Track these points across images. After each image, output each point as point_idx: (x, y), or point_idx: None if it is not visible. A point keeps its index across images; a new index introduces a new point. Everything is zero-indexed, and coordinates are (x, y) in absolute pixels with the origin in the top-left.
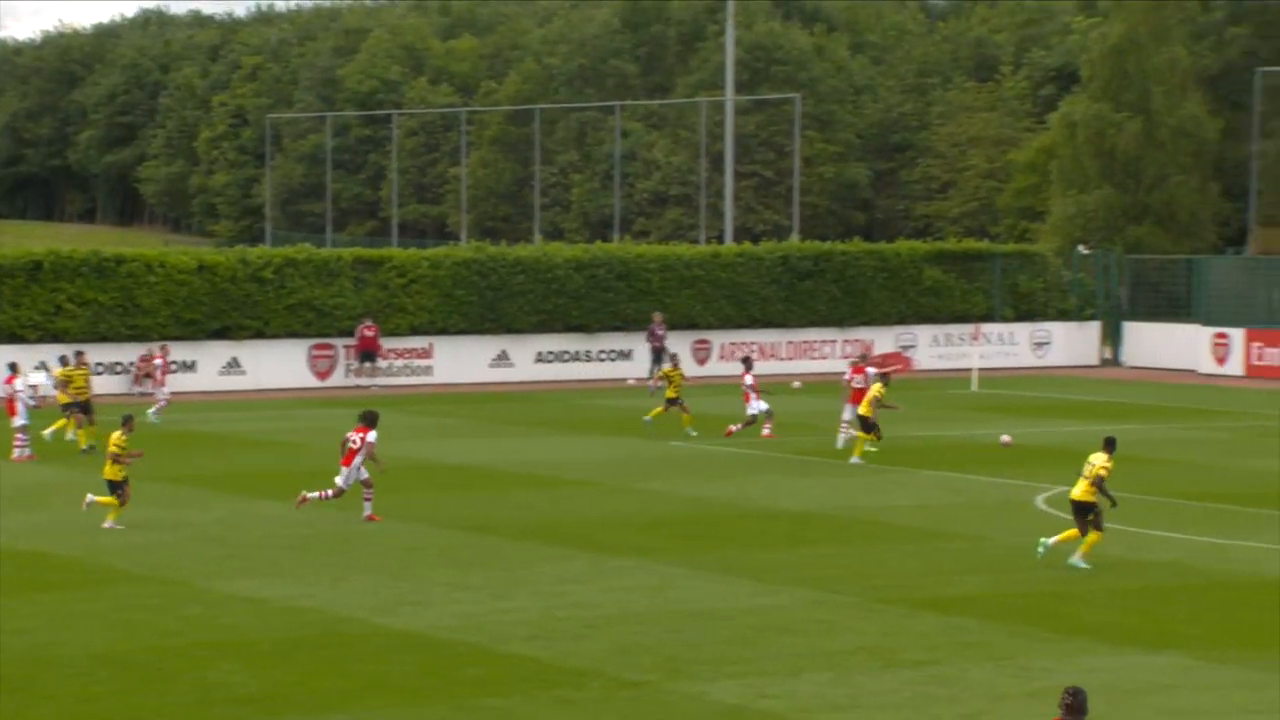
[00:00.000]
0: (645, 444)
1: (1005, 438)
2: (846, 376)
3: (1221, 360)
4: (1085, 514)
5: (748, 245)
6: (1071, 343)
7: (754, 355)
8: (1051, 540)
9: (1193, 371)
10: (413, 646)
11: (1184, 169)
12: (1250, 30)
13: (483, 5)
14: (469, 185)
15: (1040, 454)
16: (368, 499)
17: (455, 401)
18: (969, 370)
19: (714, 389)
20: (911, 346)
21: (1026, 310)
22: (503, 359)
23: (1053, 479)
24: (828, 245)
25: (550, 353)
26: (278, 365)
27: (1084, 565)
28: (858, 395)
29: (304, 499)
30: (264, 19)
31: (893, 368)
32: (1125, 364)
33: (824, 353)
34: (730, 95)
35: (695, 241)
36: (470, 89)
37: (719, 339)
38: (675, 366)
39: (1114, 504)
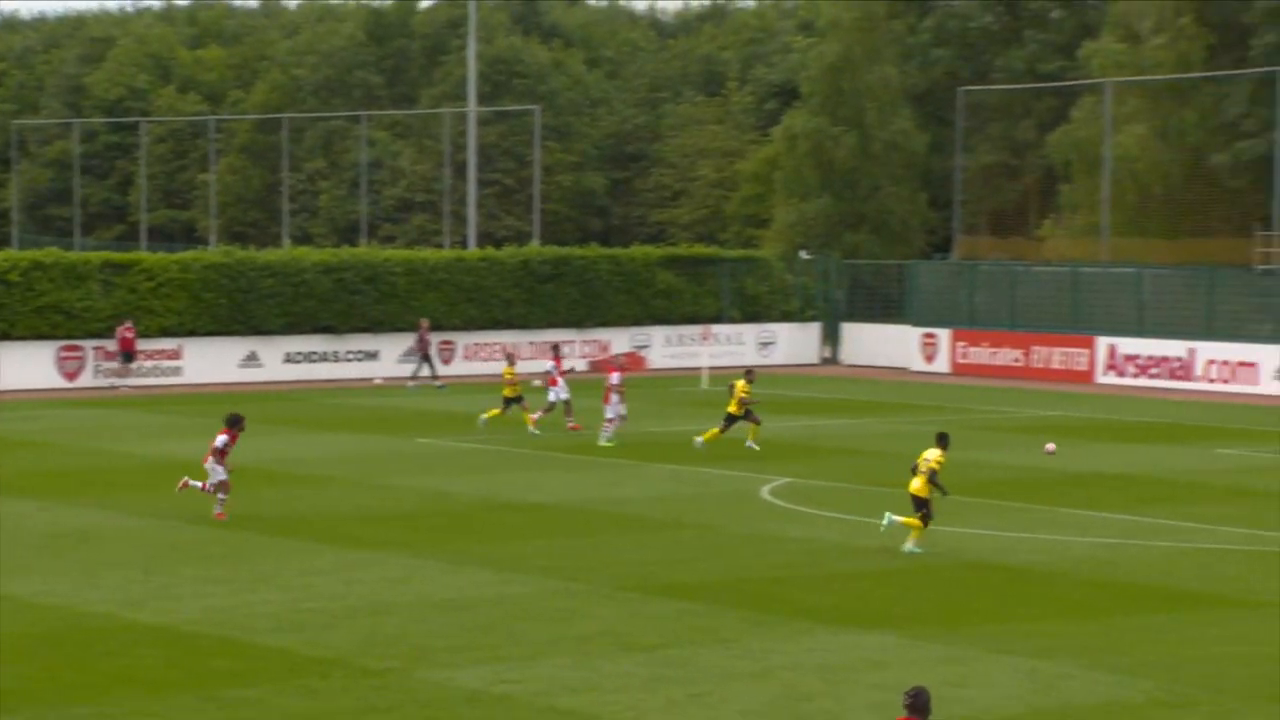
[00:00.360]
0: (392, 440)
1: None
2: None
3: (930, 358)
4: (921, 506)
5: (490, 250)
6: (794, 342)
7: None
8: (898, 518)
9: (904, 369)
10: (160, 640)
11: (895, 180)
12: (953, 52)
13: (229, 17)
14: (218, 191)
15: (765, 447)
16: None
17: (205, 401)
18: (699, 369)
19: (459, 388)
20: (645, 346)
21: (752, 312)
22: (252, 359)
23: (778, 471)
24: (567, 250)
25: (299, 353)
26: (25, 367)
27: (919, 550)
28: (608, 393)
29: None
30: (8, 26)
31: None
32: (843, 362)
33: (564, 352)
34: (473, 106)
35: (440, 246)
36: (218, 98)
37: (463, 339)
38: (511, 365)
39: (945, 493)
